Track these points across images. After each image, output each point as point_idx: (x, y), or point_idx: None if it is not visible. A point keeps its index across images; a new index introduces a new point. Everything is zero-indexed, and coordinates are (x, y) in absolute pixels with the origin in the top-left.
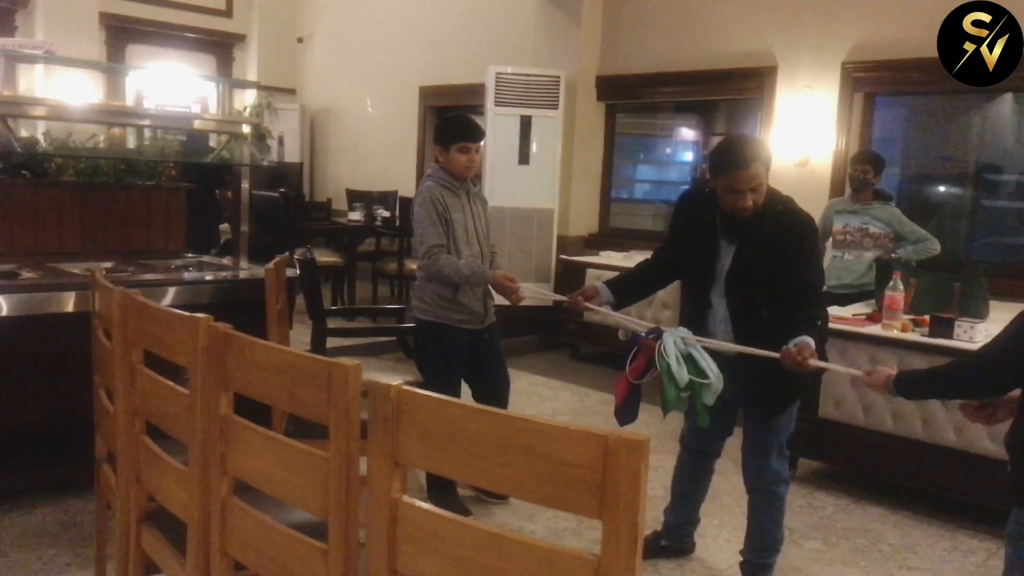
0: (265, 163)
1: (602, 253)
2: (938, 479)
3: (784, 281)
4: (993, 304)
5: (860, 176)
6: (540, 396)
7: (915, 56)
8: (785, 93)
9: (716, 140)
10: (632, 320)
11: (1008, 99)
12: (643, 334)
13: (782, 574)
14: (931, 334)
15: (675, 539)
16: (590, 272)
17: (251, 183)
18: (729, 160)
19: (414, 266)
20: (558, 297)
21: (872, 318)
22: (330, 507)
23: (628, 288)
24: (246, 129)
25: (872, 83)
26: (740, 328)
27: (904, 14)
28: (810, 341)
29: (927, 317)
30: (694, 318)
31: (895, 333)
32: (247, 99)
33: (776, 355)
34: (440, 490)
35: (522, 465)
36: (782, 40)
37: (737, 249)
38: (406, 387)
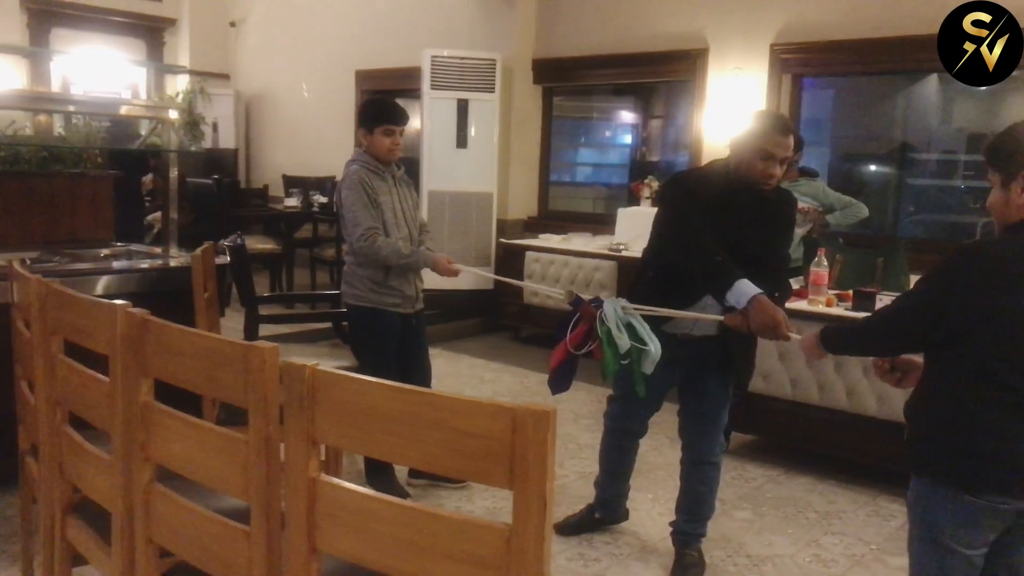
0: (193, 149)
1: (541, 236)
2: (861, 447)
3: (772, 252)
4: (914, 279)
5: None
6: (481, 379)
7: (840, 38)
8: (716, 75)
9: (654, 123)
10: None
11: (932, 80)
12: (586, 300)
13: (713, 544)
14: (854, 308)
15: (609, 511)
16: (529, 255)
17: (181, 170)
18: (774, 124)
19: None
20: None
21: (799, 294)
22: (251, 489)
23: None
24: (174, 115)
25: (799, 64)
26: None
27: None
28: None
29: (851, 292)
30: (677, 290)
31: (820, 308)
32: (179, 84)
33: (722, 318)
34: (377, 473)
35: (435, 440)
36: (713, 22)
37: (747, 221)
38: (320, 367)
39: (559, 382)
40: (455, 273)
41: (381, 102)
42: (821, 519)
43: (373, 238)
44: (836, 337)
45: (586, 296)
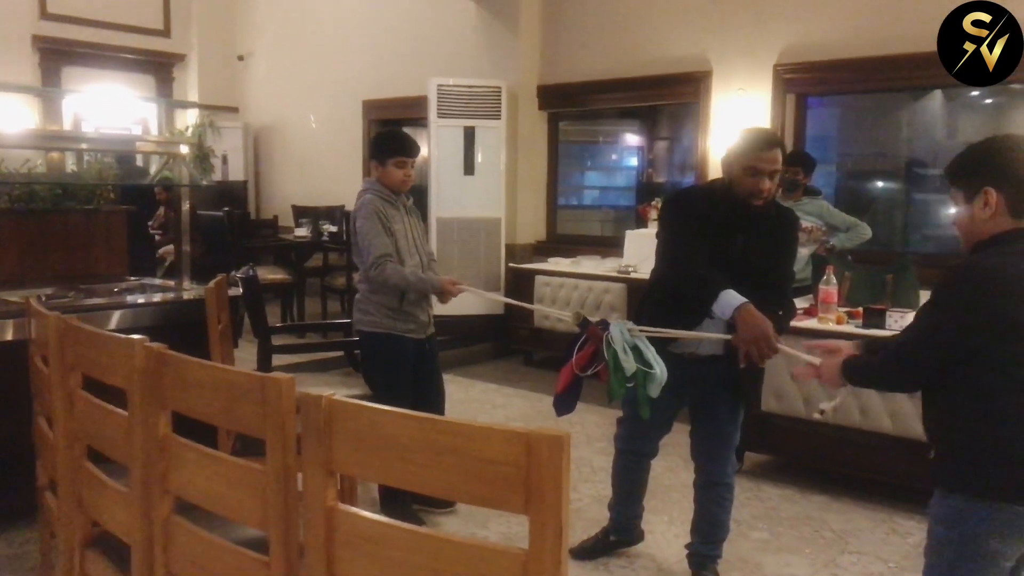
0: (204, 183)
1: (551, 260)
2: (876, 465)
3: (774, 269)
4: (924, 294)
5: (791, 177)
6: (493, 404)
7: (843, 57)
8: (720, 96)
9: (660, 145)
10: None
11: (936, 96)
12: (592, 321)
13: (730, 565)
14: (864, 325)
15: (623, 533)
16: (539, 279)
17: (192, 203)
18: (758, 139)
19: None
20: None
21: (809, 312)
22: (269, 520)
23: None
24: (185, 149)
25: (803, 84)
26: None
27: (832, 16)
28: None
29: (861, 309)
30: (682, 319)
31: (830, 326)
32: (189, 119)
33: (728, 336)
34: (392, 501)
35: (451, 467)
36: (715, 44)
37: (749, 238)
38: (337, 397)
39: (564, 404)
40: (458, 292)
41: (394, 134)
42: (838, 538)
43: (383, 264)
44: (858, 372)
45: (595, 318)
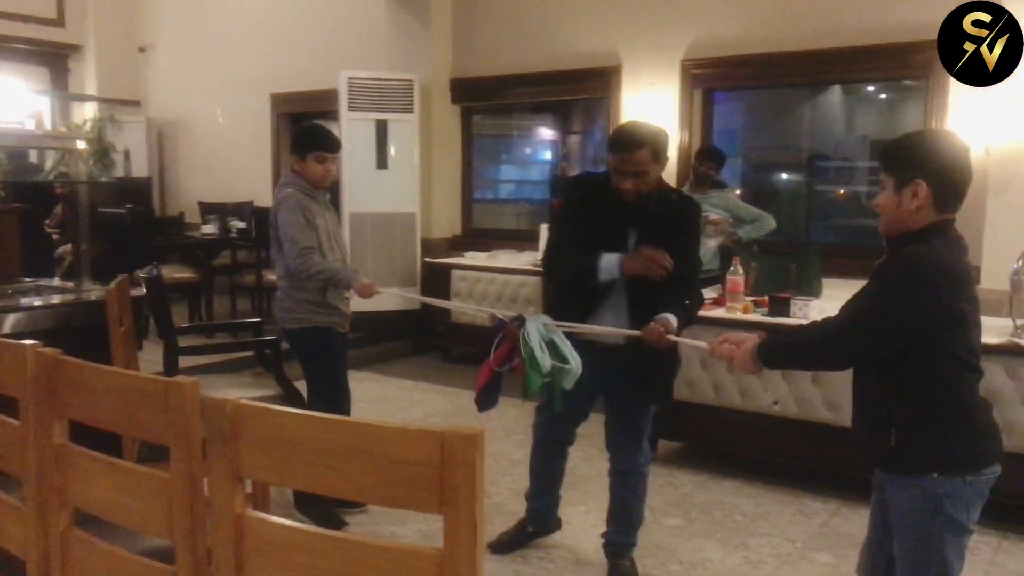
0: (104, 179)
1: (467, 254)
2: (785, 449)
3: (680, 260)
4: (828, 282)
5: (704, 172)
6: (410, 401)
7: (748, 52)
8: (630, 91)
9: (573, 139)
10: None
11: (835, 91)
12: (507, 320)
13: (645, 551)
14: (770, 313)
15: (541, 523)
16: (455, 273)
17: (92, 200)
18: (617, 141)
19: (274, 277)
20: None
21: (718, 302)
22: (175, 528)
23: None
24: (82, 145)
25: (709, 79)
26: (636, 309)
27: (736, 13)
28: (670, 317)
29: (767, 298)
30: (584, 302)
31: (738, 315)
32: (87, 113)
33: (638, 332)
34: (308, 504)
35: (363, 469)
36: (625, 40)
37: (642, 229)
38: (243, 400)
39: (486, 400)
40: (373, 293)
41: (315, 128)
42: (749, 521)
43: (308, 256)
44: (776, 352)
45: (511, 313)
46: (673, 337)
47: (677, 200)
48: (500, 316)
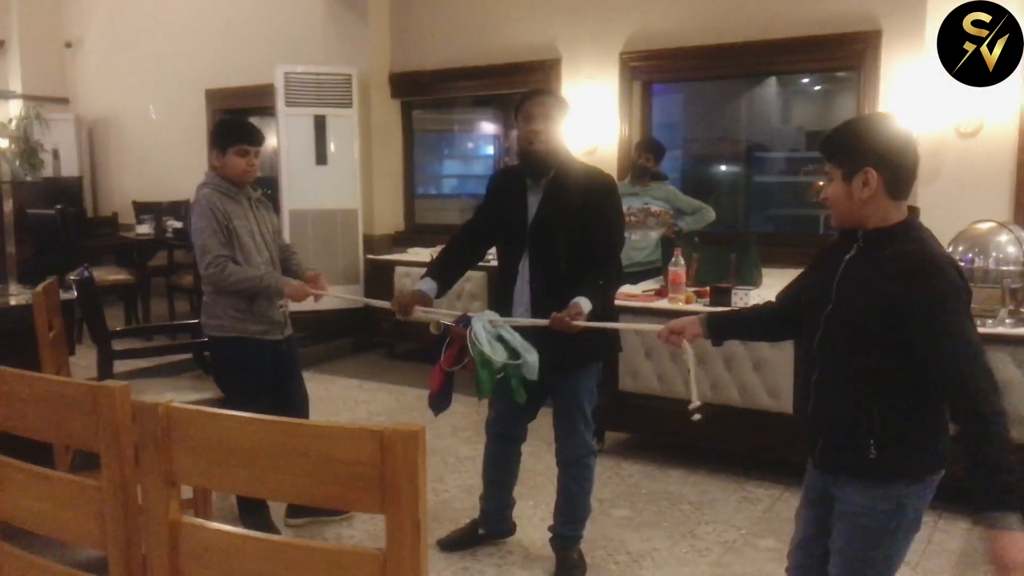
0: (29, 179)
1: (410, 250)
2: (728, 437)
3: (586, 236)
4: (767, 271)
5: (643, 163)
6: (355, 400)
7: (685, 45)
8: (570, 83)
9: (515, 132)
10: (441, 312)
11: (771, 83)
12: (452, 323)
13: (593, 543)
14: (711, 303)
15: (493, 525)
16: (399, 270)
17: (18, 201)
18: (525, 94)
19: None
20: (381, 304)
21: (660, 293)
22: (108, 539)
23: (447, 268)
24: (5, 143)
25: (648, 71)
26: (537, 284)
27: (675, 6)
28: (580, 301)
29: (708, 288)
30: (503, 291)
31: (680, 305)
32: (12, 110)
33: (546, 322)
34: (250, 512)
35: (302, 469)
36: (564, 33)
37: (541, 200)
38: (176, 403)
39: (440, 403)
40: (307, 297)
41: (233, 121)
42: (694, 510)
43: (223, 265)
44: (727, 331)
45: (457, 312)
46: (581, 323)
47: (585, 174)
48: (445, 323)
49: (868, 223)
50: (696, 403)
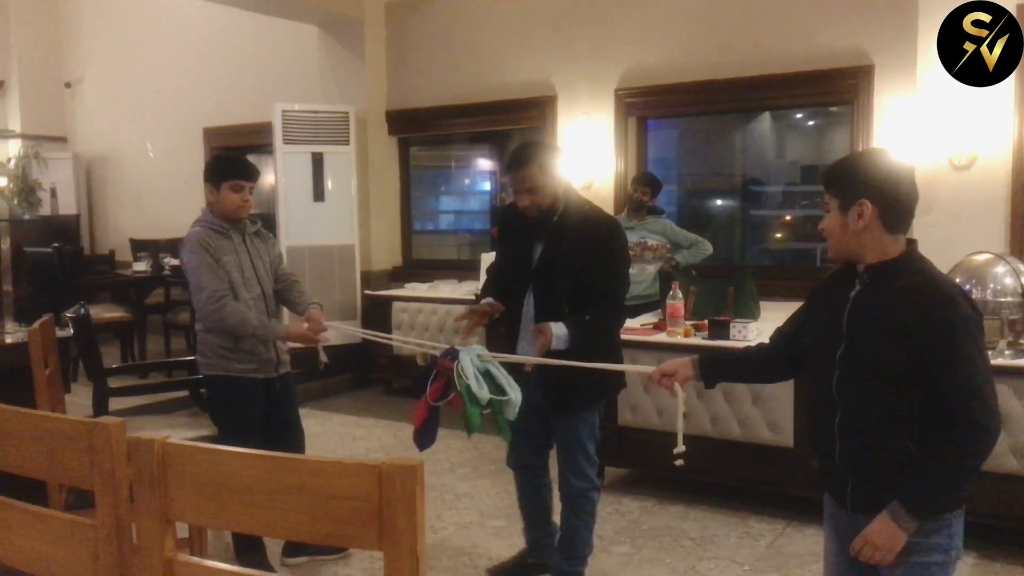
0: (27, 217)
1: (407, 286)
2: (728, 471)
3: (587, 278)
4: (764, 304)
5: (639, 198)
6: (352, 436)
7: (679, 81)
8: (566, 120)
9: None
10: (429, 344)
11: (765, 118)
12: (439, 356)
13: None
14: (710, 336)
15: (539, 556)
16: (396, 305)
17: (16, 239)
18: (508, 162)
19: None
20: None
21: (658, 326)
22: None
23: (498, 287)
24: (3, 182)
25: (642, 107)
26: (542, 323)
27: (667, 42)
28: (552, 325)
29: (706, 321)
30: (509, 327)
31: (679, 338)
32: (11, 150)
33: (534, 360)
34: (246, 550)
35: (299, 506)
36: (560, 70)
37: (546, 242)
38: (172, 440)
39: (424, 438)
40: (315, 339)
41: (228, 156)
42: (696, 545)
43: (223, 301)
44: (720, 374)
45: (445, 345)
46: (577, 363)
47: (590, 218)
48: (432, 355)
49: (865, 255)
50: (680, 448)
